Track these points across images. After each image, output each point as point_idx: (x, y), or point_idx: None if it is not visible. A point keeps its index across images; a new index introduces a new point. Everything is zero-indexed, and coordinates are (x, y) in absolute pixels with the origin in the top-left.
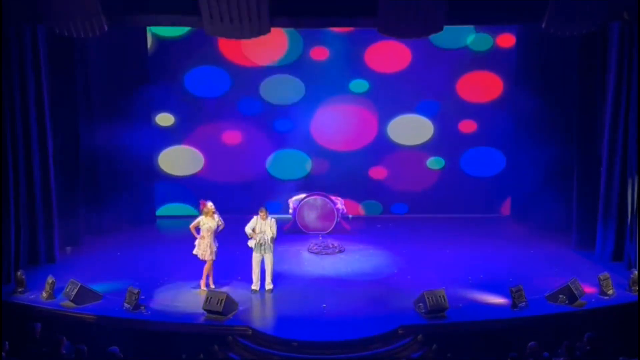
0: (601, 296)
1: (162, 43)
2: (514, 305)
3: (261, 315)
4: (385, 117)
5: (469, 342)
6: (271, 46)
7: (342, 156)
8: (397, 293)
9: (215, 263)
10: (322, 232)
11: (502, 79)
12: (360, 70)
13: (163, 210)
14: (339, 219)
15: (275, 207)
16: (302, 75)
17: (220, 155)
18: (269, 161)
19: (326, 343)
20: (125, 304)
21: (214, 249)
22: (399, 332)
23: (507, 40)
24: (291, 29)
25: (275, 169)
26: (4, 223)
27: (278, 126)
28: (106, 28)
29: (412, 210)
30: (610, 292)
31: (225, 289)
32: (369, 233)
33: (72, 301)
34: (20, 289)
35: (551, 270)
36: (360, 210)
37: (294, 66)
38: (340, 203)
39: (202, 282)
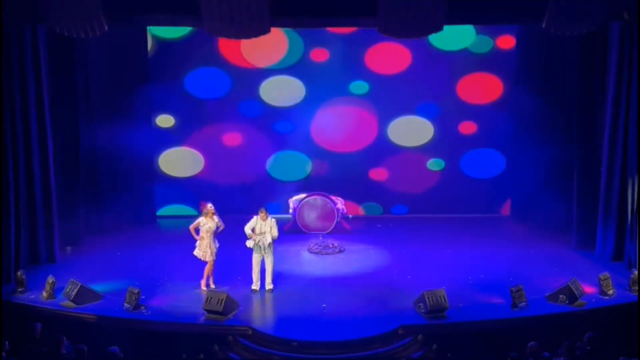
0: (601, 296)
1: (162, 44)
2: (514, 305)
3: (261, 315)
4: (385, 118)
5: (469, 342)
6: (271, 48)
7: (342, 157)
8: (397, 293)
9: (215, 263)
10: (322, 232)
11: (502, 81)
12: (361, 71)
13: (163, 211)
14: (339, 219)
15: (275, 208)
16: (303, 76)
17: (220, 156)
18: (269, 162)
19: (326, 343)
20: (126, 304)
21: (214, 249)
22: (399, 332)
23: (507, 41)
24: (291, 31)
25: (276, 171)
26: (4, 223)
27: (278, 127)
28: (106, 28)
29: (412, 212)
30: (611, 292)
31: (225, 288)
32: (369, 233)
33: (72, 301)
34: (20, 289)
35: (551, 270)
36: (361, 210)
37: (294, 67)
38: (340, 203)
39: (203, 283)
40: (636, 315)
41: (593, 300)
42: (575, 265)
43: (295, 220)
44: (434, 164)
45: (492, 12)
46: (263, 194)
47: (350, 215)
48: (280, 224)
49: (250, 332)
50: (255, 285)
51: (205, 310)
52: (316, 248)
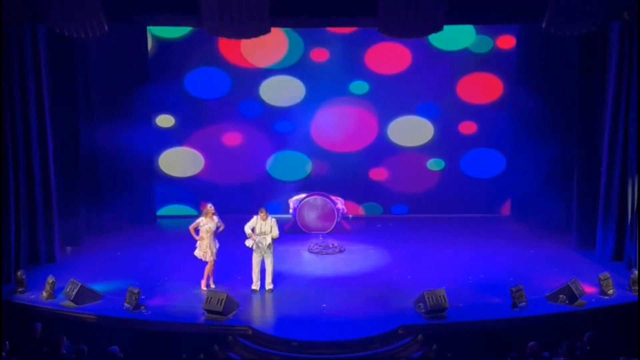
0: (601, 296)
1: (163, 44)
2: (514, 305)
3: (261, 315)
4: (385, 118)
5: (469, 342)
6: (271, 48)
7: (342, 157)
8: (397, 293)
9: (215, 263)
10: (322, 232)
11: (502, 81)
12: (361, 71)
13: (163, 211)
14: (339, 219)
15: (275, 208)
16: (303, 76)
17: (220, 156)
18: (269, 162)
19: (326, 343)
20: (126, 304)
21: (214, 249)
22: (399, 332)
23: (507, 41)
24: (291, 31)
25: (276, 171)
26: (4, 223)
27: (278, 128)
28: (106, 28)
29: (412, 212)
30: (611, 292)
31: (225, 289)
32: (369, 233)
33: (72, 301)
34: (20, 289)
35: (551, 270)
36: (361, 210)
37: (294, 68)
38: (340, 203)
39: (203, 283)
40: (636, 315)
41: (593, 300)
42: (575, 265)
43: (295, 220)
44: (434, 164)
45: (492, 12)
46: (263, 194)
47: (350, 215)
48: (280, 224)
49: (250, 332)
50: (255, 285)
51: (206, 310)
52: (316, 248)
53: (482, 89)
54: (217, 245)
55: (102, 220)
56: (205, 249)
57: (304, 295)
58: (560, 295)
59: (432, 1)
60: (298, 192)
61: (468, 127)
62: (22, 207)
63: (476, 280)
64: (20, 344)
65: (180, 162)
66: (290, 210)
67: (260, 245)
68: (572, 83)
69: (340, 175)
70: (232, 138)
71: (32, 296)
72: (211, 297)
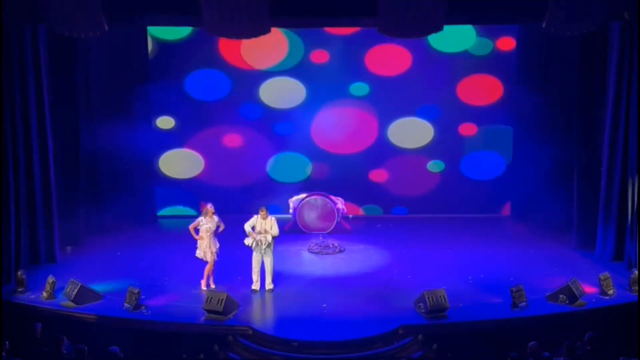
0: (601, 296)
1: (163, 46)
2: (514, 305)
3: (261, 315)
4: (385, 120)
5: (470, 342)
6: (271, 49)
7: (342, 159)
8: (397, 293)
9: (215, 263)
10: (322, 232)
11: (502, 82)
12: (361, 73)
13: (163, 212)
14: (339, 219)
15: (275, 209)
16: (303, 78)
17: (220, 158)
18: (270, 164)
19: (326, 343)
20: (126, 304)
21: (215, 249)
22: (400, 332)
23: (507, 43)
24: (291, 32)
25: (276, 172)
26: (4, 223)
27: (278, 129)
28: (106, 28)
29: (412, 214)
30: (611, 292)
31: (225, 288)
32: (369, 233)
33: (72, 301)
34: (20, 289)
35: (551, 270)
36: (361, 211)
37: (294, 69)
38: (340, 203)
39: (203, 283)
40: (636, 315)
41: (593, 300)
42: (576, 265)
43: (295, 220)
44: (434, 166)
45: (492, 12)
46: (263, 196)
47: (350, 215)
48: (280, 224)
49: (250, 332)
50: (256, 285)
51: (206, 310)
52: (316, 248)
53: (482, 90)
54: (217, 245)
55: (102, 221)
56: (205, 249)
57: (304, 295)
58: (561, 295)
59: (432, 1)
60: (298, 191)
61: (468, 129)
62: (22, 207)
63: (476, 280)
64: (20, 344)
65: (180, 163)
66: (290, 210)
67: (260, 243)
68: (572, 83)
69: (340, 176)
70: (233, 139)
71: (33, 296)
72: (211, 297)
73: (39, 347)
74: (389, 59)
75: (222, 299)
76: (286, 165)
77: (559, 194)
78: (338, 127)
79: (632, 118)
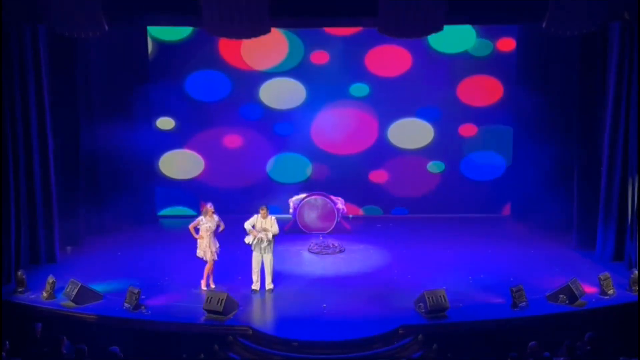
0: (601, 296)
1: (163, 47)
2: (514, 305)
3: (261, 315)
4: (385, 120)
5: (470, 342)
6: (271, 50)
7: (342, 160)
8: (397, 293)
9: (215, 263)
10: (322, 232)
11: (503, 83)
12: (361, 74)
13: (163, 213)
14: (339, 219)
15: (275, 210)
16: (303, 79)
17: (220, 158)
18: (270, 165)
19: (326, 343)
20: (126, 304)
21: (214, 249)
22: (400, 332)
23: (507, 44)
24: (291, 33)
25: (276, 173)
26: (4, 223)
27: (279, 130)
28: (106, 28)
29: (412, 214)
30: (611, 292)
31: (225, 288)
32: (369, 233)
33: (72, 301)
34: (20, 289)
35: (551, 270)
36: (361, 211)
37: (294, 70)
38: (340, 203)
39: (203, 282)
40: (636, 315)
41: (593, 300)
42: (576, 265)
43: (295, 220)
44: (434, 167)
45: (492, 12)
46: (263, 196)
47: (350, 215)
48: (280, 224)
49: (250, 332)
50: (256, 285)
51: (206, 310)
52: (316, 248)
53: (482, 91)
54: (217, 244)
55: (102, 221)
56: (205, 248)
57: (304, 295)
58: (561, 295)
59: (432, 1)
60: (298, 192)
61: (468, 130)
62: (22, 207)
63: (476, 280)
64: (20, 344)
65: (180, 164)
66: (291, 210)
67: (260, 241)
68: (572, 83)
69: (340, 177)
70: (233, 140)
71: (33, 296)
72: (211, 297)
73: (39, 347)
74: (389, 59)
75: (222, 299)
76: (286, 166)
77: (559, 194)
78: (338, 127)
79: (632, 118)
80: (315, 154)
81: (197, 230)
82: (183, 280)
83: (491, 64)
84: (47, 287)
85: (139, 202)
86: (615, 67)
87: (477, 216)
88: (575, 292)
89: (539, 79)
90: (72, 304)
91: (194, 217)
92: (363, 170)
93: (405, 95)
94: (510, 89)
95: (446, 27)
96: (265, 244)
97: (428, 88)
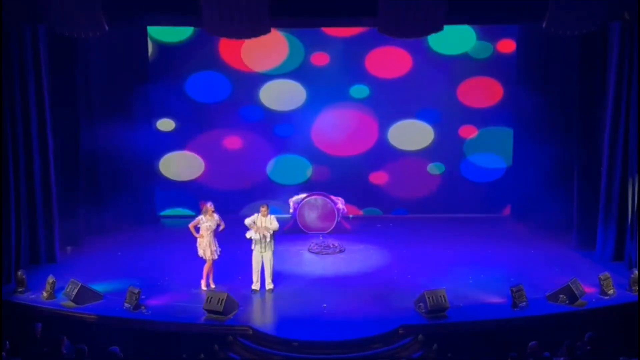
0: (601, 296)
1: (163, 48)
2: (514, 305)
3: (262, 315)
4: (385, 122)
5: (470, 342)
6: (272, 52)
7: (342, 161)
8: (397, 293)
9: (215, 263)
10: (322, 232)
11: (502, 84)
12: (361, 75)
13: (164, 213)
14: (339, 219)
15: (275, 212)
16: (303, 80)
17: (221, 160)
18: (270, 166)
19: (326, 343)
20: (126, 304)
21: (214, 248)
22: (400, 332)
23: (507, 45)
24: (292, 35)
25: (276, 174)
26: (4, 223)
27: (279, 131)
28: (106, 28)
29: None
30: (611, 292)
31: (225, 288)
32: (369, 233)
33: (72, 301)
34: (20, 289)
35: (551, 270)
36: (361, 213)
37: (294, 72)
38: (340, 203)
39: (203, 282)
40: (636, 315)
41: (593, 300)
42: (576, 265)
43: (295, 220)
44: (434, 168)
45: (492, 12)
46: (263, 198)
47: (350, 215)
48: (280, 224)
49: (250, 332)
50: (256, 285)
51: (206, 310)
52: (316, 248)
53: (482, 92)
54: (217, 244)
55: (102, 221)
56: (205, 247)
57: (304, 295)
58: (561, 295)
59: (432, 1)
60: (298, 193)
61: (468, 131)
62: (22, 207)
63: (476, 280)
64: (20, 344)
65: (180, 165)
66: (291, 210)
67: (264, 236)
68: (572, 83)
69: (340, 178)
70: (233, 142)
71: (33, 296)
72: (211, 297)
73: (39, 347)
74: (390, 61)
75: (222, 299)
76: (286, 168)
77: (559, 194)
78: (338, 129)
79: (632, 118)
80: (316, 156)
81: (197, 229)
82: (183, 280)
83: (491, 66)
84: (47, 287)
85: (139, 202)
86: (615, 67)
87: (477, 216)
88: (576, 292)
89: (539, 79)
90: (72, 304)
91: (194, 218)
92: (363, 172)
93: (405, 96)
94: (510, 90)
95: (446, 29)
96: (268, 239)
97: (428, 90)
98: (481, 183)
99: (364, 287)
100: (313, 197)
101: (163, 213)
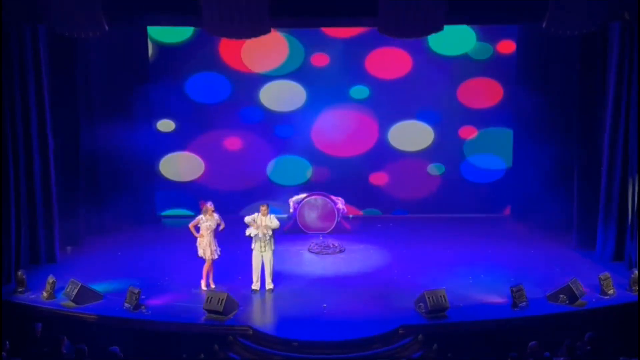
0: (601, 296)
1: (163, 49)
2: (514, 305)
3: (262, 315)
4: (385, 123)
5: (470, 342)
6: (272, 53)
7: (342, 162)
8: (397, 293)
9: (215, 263)
10: (322, 232)
11: (502, 85)
12: (361, 76)
13: (164, 213)
14: (339, 219)
15: (275, 212)
16: (303, 81)
17: (221, 161)
18: (270, 167)
19: (326, 343)
20: (126, 304)
21: (214, 248)
22: (400, 332)
23: (507, 46)
24: (292, 36)
25: (276, 175)
26: (4, 223)
27: (279, 132)
28: (106, 28)
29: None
30: (611, 292)
31: (225, 288)
32: (369, 233)
33: (72, 301)
34: (20, 289)
35: (551, 270)
36: (361, 213)
37: (294, 72)
38: (340, 203)
39: (203, 282)
40: (636, 315)
41: (593, 300)
42: (576, 265)
43: (295, 220)
44: (435, 169)
45: (492, 12)
46: (264, 198)
47: (350, 215)
48: (280, 224)
49: (250, 332)
50: (256, 285)
51: (206, 310)
52: (316, 248)
53: (482, 93)
54: (217, 244)
55: (102, 221)
56: (205, 247)
57: (304, 295)
58: (561, 295)
59: (432, 1)
60: (298, 193)
61: (468, 132)
62: (22, 207)
63: (476, 280)
64: (20, 344)
65: (180, 166)
66: (291, 210)
67: (264, 235)
68: (572, 83)
69: (340, 179)
70: (233, 143)
71: (33, 296)
72: (211, 297)
73: (39, 347)
74: (390, 62)
75: (222, 299)
76: (286, 168)
77: (559, 194)
78: (338, 130)
79: (632, 118)
80: (316, 157)
81: (197, 229)
82: (183, 280)
83: (491, 67)
84: (47, 287)
85: (139, 202)
86: (615, 67)
87: (477, 216)
88: (576, 292)
89: (539, 79)
90: (72, 304)
91: (194, 218)
92: (363, 173)
93: (405, 97)
94: (510, 90)
95: (446, 29)
96: (268, 237)
97: (428, 90)
98: (481, 184)
99: (364, 287)
100: (313, 197)
101: (163, 213)
